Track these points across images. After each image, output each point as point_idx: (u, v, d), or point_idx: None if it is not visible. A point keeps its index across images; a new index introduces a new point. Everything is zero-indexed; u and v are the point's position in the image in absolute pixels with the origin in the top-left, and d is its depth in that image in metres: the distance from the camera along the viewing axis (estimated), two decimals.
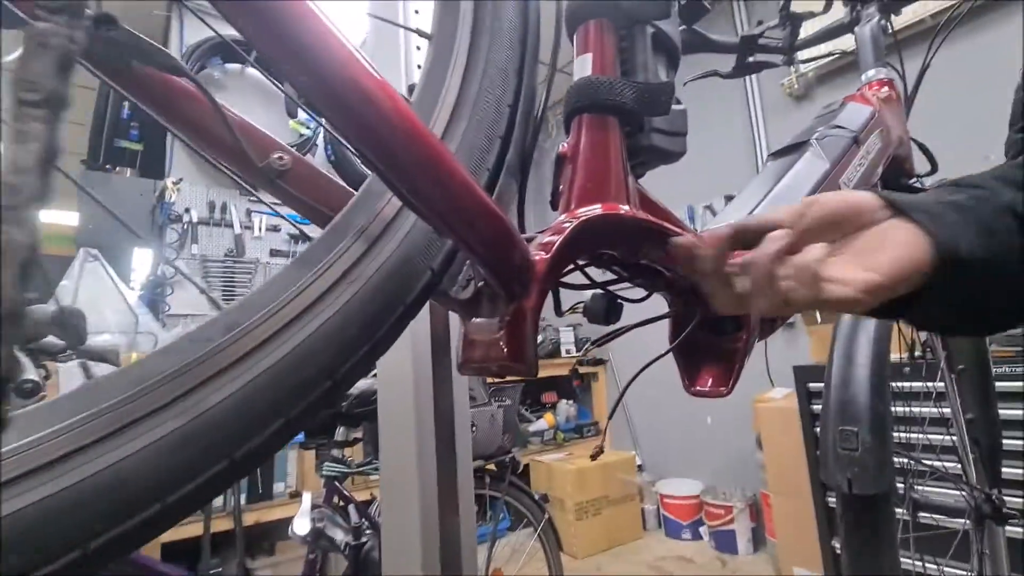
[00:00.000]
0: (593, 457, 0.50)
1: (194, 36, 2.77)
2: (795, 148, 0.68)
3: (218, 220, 2.87)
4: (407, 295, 0.31)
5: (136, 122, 2.73)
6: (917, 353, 0.88)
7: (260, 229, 3.02)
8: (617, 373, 3.47)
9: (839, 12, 1.13)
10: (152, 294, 2.59)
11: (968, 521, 0.80)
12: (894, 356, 0.69)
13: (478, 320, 0.37)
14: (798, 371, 2.23)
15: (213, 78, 2.83)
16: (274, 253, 3.06)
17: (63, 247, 3.44)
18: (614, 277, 0.47)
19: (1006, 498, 0.79)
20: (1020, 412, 1.50)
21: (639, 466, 3.18)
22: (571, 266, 0.44)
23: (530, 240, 0.38)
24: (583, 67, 0.46)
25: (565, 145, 0.45)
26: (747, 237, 0.37)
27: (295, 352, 0.26)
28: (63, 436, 0.21)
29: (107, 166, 2.63)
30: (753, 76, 2.89)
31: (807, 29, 1.17)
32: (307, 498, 1.17)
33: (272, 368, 0.26)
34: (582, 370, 3.54)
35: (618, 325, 0.48)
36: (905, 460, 0.87)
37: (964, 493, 0.79)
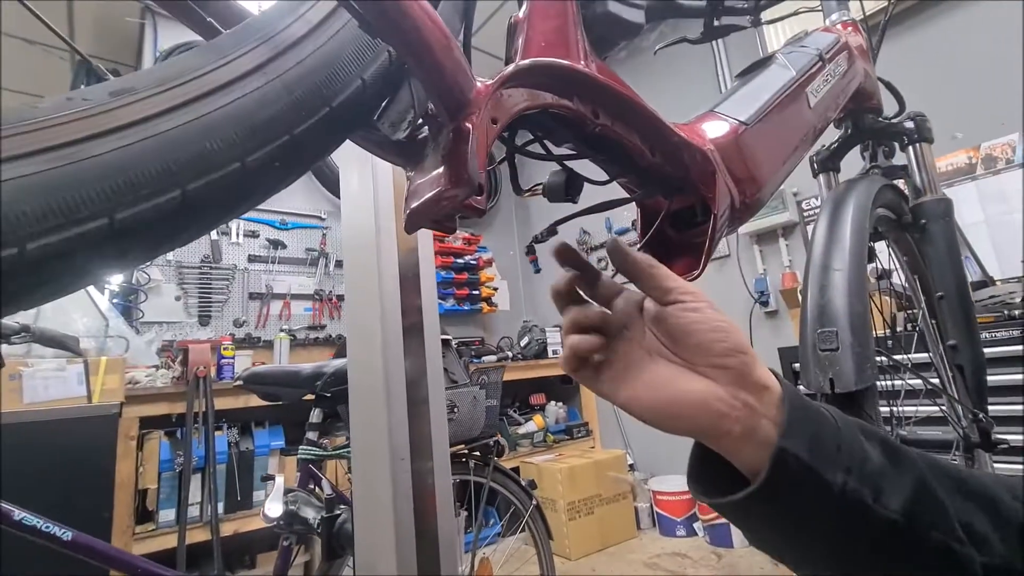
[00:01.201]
0: None
1: (168, 41, 2.75)
2: (760, 64, 0.67)
3: None
4: (332, 96, 0.28)
5: None
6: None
7: (238, 235, 2.97)
8: None
9: None
10: (125, 300, 2.52)
11: (956, 454, 0.78)
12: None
13: (422, 165, 0.34)
14: (783, 352, 2.23)
15: None
16: (252, 259, 3.00)
17: None
18: (573, 152, 0.44)
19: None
20: (1002, 378, 1.50)
21: (630, 465, 3.14)
22: (529, 135, 0.42)
23: None
24: None
25: (516, 15, 0.44)
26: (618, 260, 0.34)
27: (197, 123, 0.23)
28: None
29: None
30: (725, 70, 2.94)
31: None
32: (280, 481, 1.11)
33: (166, 133, 0.23)
34: None
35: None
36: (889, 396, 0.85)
37: (952, 422, 0.77)
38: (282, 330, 2.93)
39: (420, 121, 0.35)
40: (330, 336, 3.17)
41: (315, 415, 1.25)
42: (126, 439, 1.99)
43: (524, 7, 0.44)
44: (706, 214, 0.49)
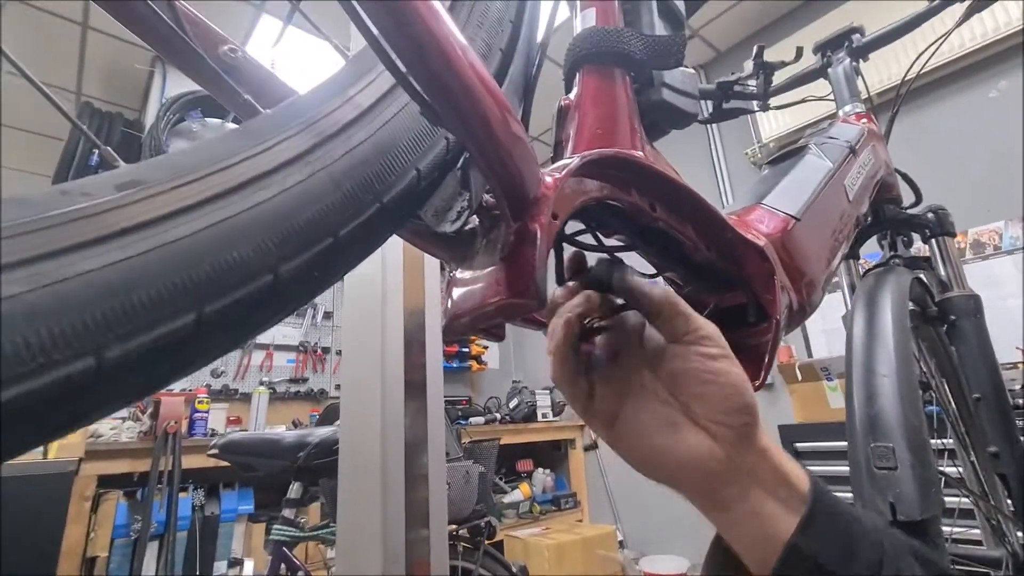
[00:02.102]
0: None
1: (176, 89, 2.78)
2: (793, 153, 0.66)
3: None
4: (383, 192, 0.23)
5: (103, 170, 2.65)
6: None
7: None
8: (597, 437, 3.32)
9: (808, 61, 1.19)
10: None
11: (1005, 574, 0.71)
12: None
13: (470, 262, 0.30)
14: (783, 430, 2.16)
15: (192, 130, 2.82)
16: None
17: None
18: (621, 244, 0.40)
19: None
20: None
21: (620, 542, 2.96)
22: (580, 224, 0.38)
23: None
24: (586, 21, 0.42)
25: (567, 98, 0.41)
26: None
27: (220, 227, 0.19)
28: None
29: None
30: (719, 147, 3.04)
31: (779, 77, 1.22)
32: (249, 567, 0.99)
33: (180, 242, 0.18)
34: (559, 437, 3.38)
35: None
36: None
37: (992, 537, 0.70)
38: (262, 383, 2.80)
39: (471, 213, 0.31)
40: (312, 390, 3.04)
41: (294, 490, 1.15)
42: (80, 500, 1.82)
43: (575, 91, 0.41)
44: (759, 315, 0.45)
